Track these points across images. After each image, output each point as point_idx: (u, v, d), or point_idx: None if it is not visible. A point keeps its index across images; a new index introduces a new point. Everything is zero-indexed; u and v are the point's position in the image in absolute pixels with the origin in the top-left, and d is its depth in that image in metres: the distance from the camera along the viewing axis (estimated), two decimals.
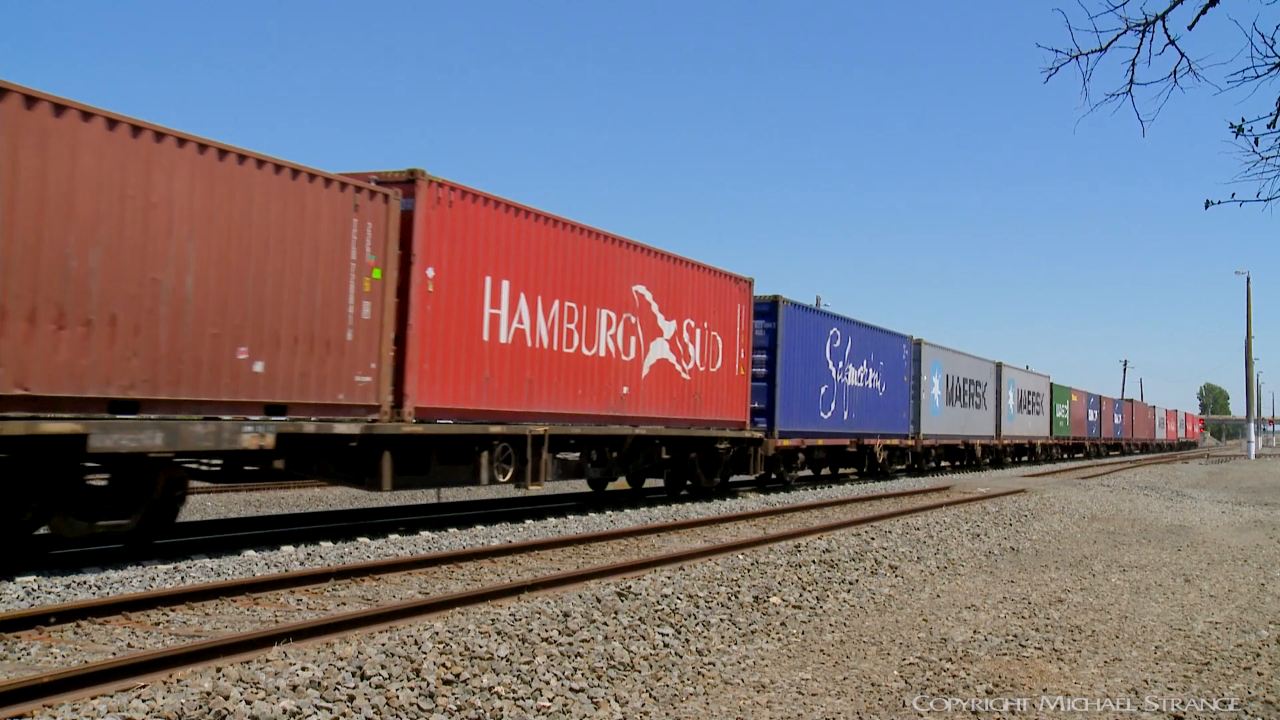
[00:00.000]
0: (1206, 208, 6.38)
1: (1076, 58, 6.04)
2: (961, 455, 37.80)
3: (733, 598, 8.59)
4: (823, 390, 24.22)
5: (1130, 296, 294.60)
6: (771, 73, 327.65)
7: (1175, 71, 6.00)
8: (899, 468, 31.72)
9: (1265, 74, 5.72)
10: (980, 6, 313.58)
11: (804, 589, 9.33)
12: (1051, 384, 48.48)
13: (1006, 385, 40.89)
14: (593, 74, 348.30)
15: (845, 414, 25.42)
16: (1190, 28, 5.89)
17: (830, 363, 24.61)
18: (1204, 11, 5.83)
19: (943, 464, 37.32)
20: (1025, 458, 46.26)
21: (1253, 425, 61.60)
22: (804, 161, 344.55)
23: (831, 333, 24.82)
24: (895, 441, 29.16)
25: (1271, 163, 6.05)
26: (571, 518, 15.56)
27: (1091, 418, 57.49)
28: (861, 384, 26.55)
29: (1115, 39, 5.99)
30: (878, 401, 27.66)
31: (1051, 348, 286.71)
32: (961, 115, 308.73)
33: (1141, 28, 5.92)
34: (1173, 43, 5.93)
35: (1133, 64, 6.05)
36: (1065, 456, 53.32)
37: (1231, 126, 5.88)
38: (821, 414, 24.14)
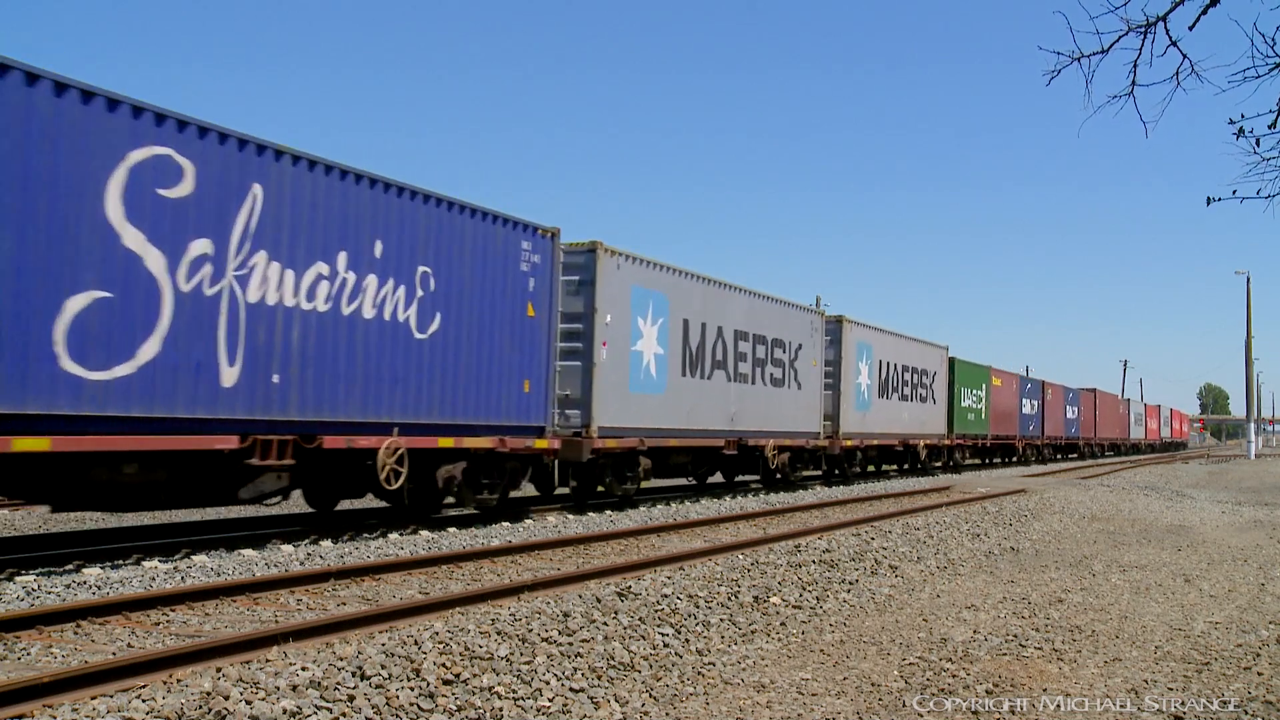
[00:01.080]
0: (1208, 204, 6.40)
1: (1078, 59, 6.05)
2: (735, 464, 22.05)
3: (733, 598, 8.59)
4: (74, 306, 9.24)
5: (1130, 296, 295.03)
6: (771, 73, 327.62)
7: (1178, 72, 6.01)
8: (516, 495, 16.66)
9: (1266, 74, 5.73)
10: (981, 8, 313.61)
11: (804, 589, 9.33)
12: (953, 359, 34.63)
13: (855, 354, 26.17)
14: (589, 75, 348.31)
15: (226, 367, 10.57)
16: (1191, 28, 5.90)
17: (121, 229, 9.62)
18: (1204, 12, 5.84)
19: (675, 481, 22.54)
20: (896, 466, 31.96)
21: (1253, 425, 61.58)
22: (804, 161, 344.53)
23: (132, 164, 9.71)
24: (488, 443, 13.96)
25: (1272, 163, 6.05)
26: (571, 517, 15.56)
27: (1027, 409, 43.96)
28: (335, 307, 11.82)
29: (1117, 40, 6.00)
30: (411, 351, 12.86)
31: (1052, 348, 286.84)
32: (964, 116, 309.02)
33: (1143, 29, 5.93)
34: (1174, 44, 5.94)
35: (1134, 65, 6.07)
36: (978, 462, 40.18)
37: (1231, 122, 5.89)
38: (66, 363, 9.13)
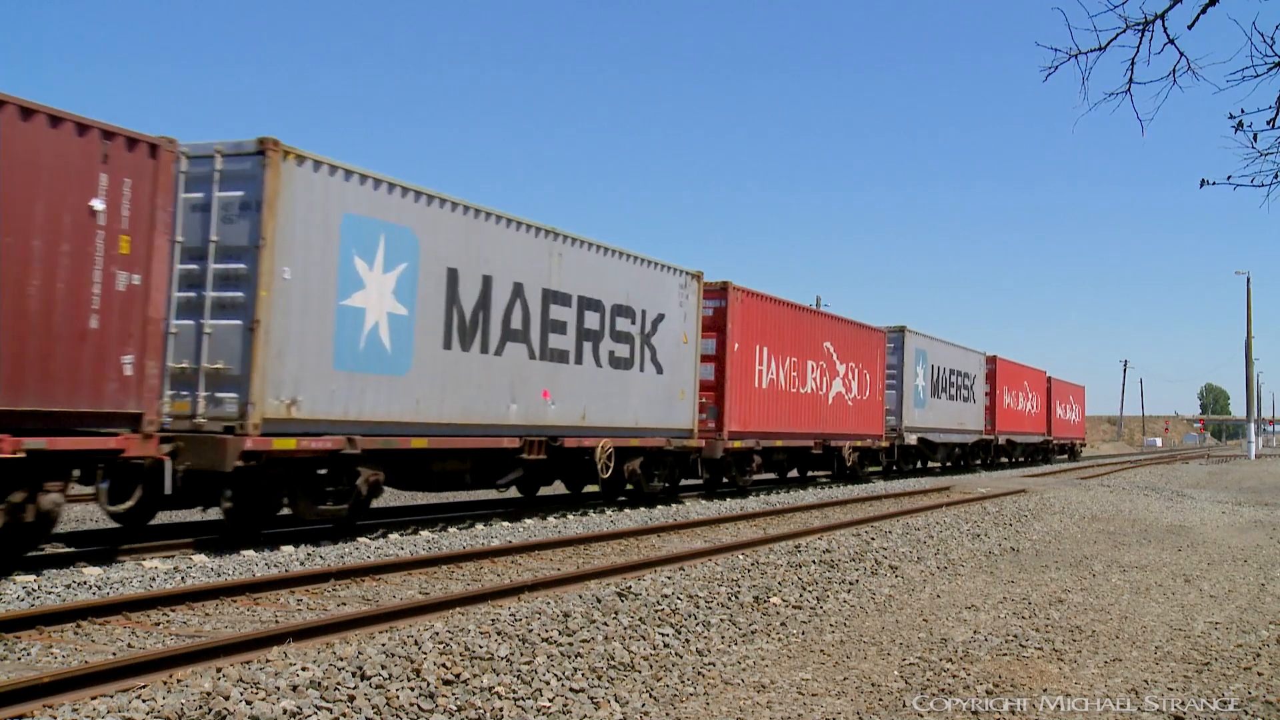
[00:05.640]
0: (1201, 186, 6.39)
1: (1076, 56, 6.05)
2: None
3: (733, 598, 8.59)
4: None
5: (1130, 296, 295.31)
6: (771, 73, 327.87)
7: (1174, 70, 6.01)
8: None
9: (1265, 73, 5.73)
10: (980, 6, 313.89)
11: (804, 589, 9.33)
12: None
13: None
14: (588, 74, 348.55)
15: None
16: (1190, 27, 5.90)
17: None
18: (1204, 11, 5.84)
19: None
20: None
21: (1253, 425, 61.53)
22: (803, 161, 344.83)
23: None
24: None
25: (1270, 159, 6.05)
26: (571, 517, 15.55)
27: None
28: None
29: (1114, 38, 6.00)
30: None
31: (1053, 348, 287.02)
32: (961, 114, 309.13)
33: (1141, 27, 5.93)
34: (1172, 42, 5.94)
35: (1132, 63, 6.06)
36: None
37: (1230, 116, 5.88)
38: None
